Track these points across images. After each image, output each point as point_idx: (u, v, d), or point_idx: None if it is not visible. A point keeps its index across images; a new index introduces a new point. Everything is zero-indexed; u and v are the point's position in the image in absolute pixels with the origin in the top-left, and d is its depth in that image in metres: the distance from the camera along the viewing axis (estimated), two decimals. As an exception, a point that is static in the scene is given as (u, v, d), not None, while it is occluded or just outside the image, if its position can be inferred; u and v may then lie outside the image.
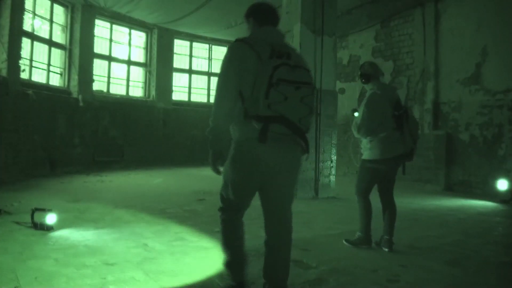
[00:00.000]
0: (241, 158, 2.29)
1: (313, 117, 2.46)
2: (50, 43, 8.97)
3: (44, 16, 8.83)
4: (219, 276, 2.86)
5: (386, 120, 3.68)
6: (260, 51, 2.21)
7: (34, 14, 8.43)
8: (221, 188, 2.42)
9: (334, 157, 6.97)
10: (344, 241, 3.88)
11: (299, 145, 2.31)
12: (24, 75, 7.92)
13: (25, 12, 7.90)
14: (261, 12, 2.46)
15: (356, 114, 3.89)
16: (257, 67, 2.17)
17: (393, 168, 3.78)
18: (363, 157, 3.84)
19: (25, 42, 8.00)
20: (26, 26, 8.08)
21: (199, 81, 13.01)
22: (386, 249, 3.70)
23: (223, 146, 2.28)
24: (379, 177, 3.79)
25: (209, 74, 13.10)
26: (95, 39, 10.16)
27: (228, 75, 2.24)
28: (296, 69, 2.18)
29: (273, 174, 2.29)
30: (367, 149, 3.79)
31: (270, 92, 2.09)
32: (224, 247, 2.45)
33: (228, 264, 2.45)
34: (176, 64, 12.31)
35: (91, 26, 9.92)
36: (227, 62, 2.27)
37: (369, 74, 3.85)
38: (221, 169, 2.36)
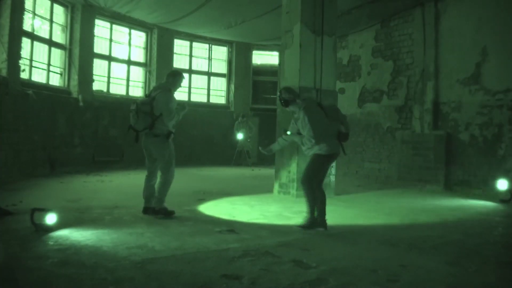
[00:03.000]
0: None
1: (147, 124, 4.80)
2: (50, 43, 8.97)
3: (44, 16, 8.82)
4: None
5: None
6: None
7: (34, 14, 8.42)
8: None
9: (334, 157, 6.94)
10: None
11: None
12: (24, 75, 7.91)
13: (25, 12, 7.88)
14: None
15: (288, 132, 4.54)
16: None
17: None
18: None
19: (25, 42, 7.99)
20: (26, 26, 8.07)
21: (199, 81, 13.01)
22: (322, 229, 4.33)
23: None
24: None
25: (209, 74, 13.10)
26: (95, 39, 10.16)
27: None
28: (142, 104, 4.79)
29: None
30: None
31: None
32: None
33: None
34: (176, 64, 12.28)
35: (91, 26, 9.92)
36: None
37: (287, 99, 4.41)
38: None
